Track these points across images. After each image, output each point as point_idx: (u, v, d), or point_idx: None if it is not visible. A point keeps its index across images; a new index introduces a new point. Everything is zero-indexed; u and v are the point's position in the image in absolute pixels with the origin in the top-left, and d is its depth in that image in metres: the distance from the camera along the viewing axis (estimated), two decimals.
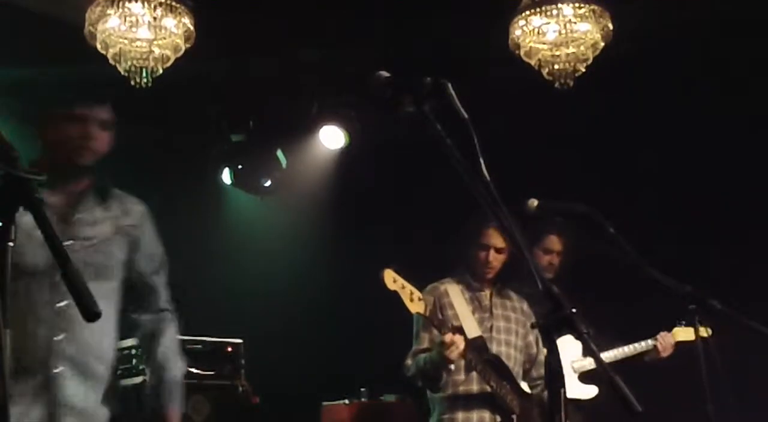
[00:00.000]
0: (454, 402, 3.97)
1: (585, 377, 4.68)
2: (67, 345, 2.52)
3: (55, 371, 2.50)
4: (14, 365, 2.30)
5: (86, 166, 2.76)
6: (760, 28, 5.01)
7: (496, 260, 4.13)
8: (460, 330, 3.85)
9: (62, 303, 2.49)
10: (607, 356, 4.68)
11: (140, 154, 5.46)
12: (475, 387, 3.97)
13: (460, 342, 3.71)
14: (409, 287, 3.62)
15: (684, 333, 4.64)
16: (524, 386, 4.12)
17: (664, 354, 4.74)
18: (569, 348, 4.67)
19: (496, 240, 4.10)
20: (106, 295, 2.66)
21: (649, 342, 4.76)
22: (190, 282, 4.77)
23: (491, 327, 4.11)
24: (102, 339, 2.63)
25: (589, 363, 4.62)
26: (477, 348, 3.90)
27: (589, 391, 4.64)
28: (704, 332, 4.55)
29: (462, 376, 3.97)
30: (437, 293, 4.08)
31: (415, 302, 3.63)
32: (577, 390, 4.61)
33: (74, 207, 2.70)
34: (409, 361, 3.96)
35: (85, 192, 2.76)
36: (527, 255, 1.93)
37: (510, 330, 4.16)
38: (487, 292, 4.21)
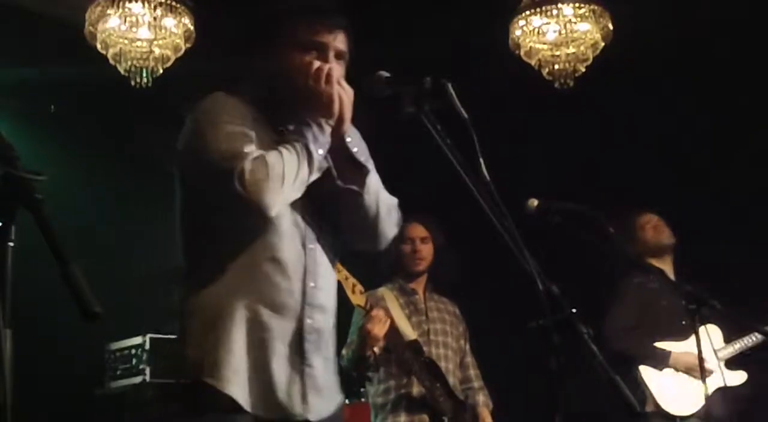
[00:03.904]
0: (396, 406, 4.02)
1: (733, 363, 4.60)
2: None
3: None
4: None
5: None
6: (760, 29, 5.01)
7: (423, 249, 4.24)
8: (397, 333, 3.91)
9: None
10: (735, 348, 4.59)
11: (139, 154, 5.46)
12: (414, 390, 4.03)
13: (384, 319, 3.72)
14: (352, 279, 3.66)
15: None
16: (458, 390, 4.20)
17: None
18: (712, 337, 4.61)
19: (418, 231, 4.24)
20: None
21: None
22: None
23: (428, 330, 4.21)
24: None
25: (734, 349, 4.57)
26: (413, 351, 3.97)
27: (738, 377, 4.55)
28: None
29: (402, 380, 4.03)
30: (374, 299, 4.11)
31: (356, 294, 3.67)
32: (726, 377, 4.48)
33: None
34: (344, 351, 3.99)
35: None
36: (526, 256, 1.93)
37: (446, 332, 4.27)
38: (420, 296, 4.31)
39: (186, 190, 2.35)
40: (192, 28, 4.51)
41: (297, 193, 2.22)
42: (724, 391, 4.48)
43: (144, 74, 4.54)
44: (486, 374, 4.43)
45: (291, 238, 2.28)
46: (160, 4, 4.40)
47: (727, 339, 4.65)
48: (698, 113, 5.40)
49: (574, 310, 1.91)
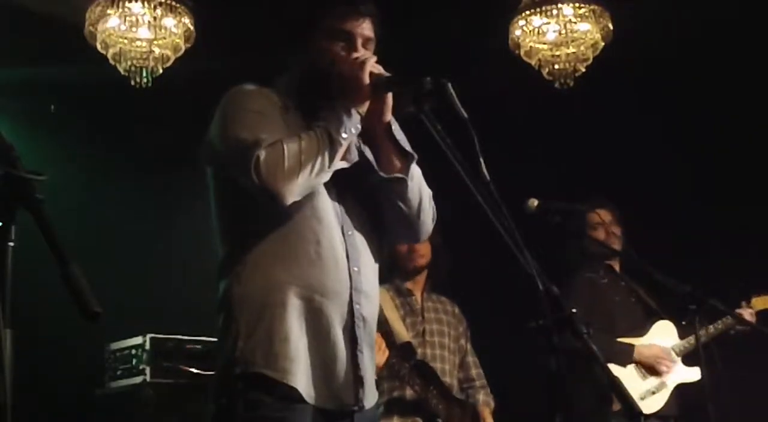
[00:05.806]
0: (389, 409, 3.99)
1: (689, 360, 4.54)
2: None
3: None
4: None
5: None
6: (759, 29, 5.01)
7: (421, 248, 4.17)
8: (389, 335, 3.91)
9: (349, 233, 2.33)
10: (690, 343, 4.49)
11: (139, 154, 5.46)
12: (407, 393, 4.01)
13: (382, 347, 3.75)
14: None
15: (763, 302, 4.60)
16: (455, 390, 4.20)
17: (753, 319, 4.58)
18: (666, 334, 4.59)
19: None
20: None
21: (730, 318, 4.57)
22: (189, 283, 4.77)
23: (424, 330, 4.19)
24: None
25: (689, 345, 4.50)
26: (404, 353, 3.96)
27: (695, 374, 4.44)
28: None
29: (395, 382, 4.00)
30: None
31: None
32: (684, 374, 4.53)
33: None
34: None
35: None
36: (526, 256, 1.93)
37: (443, 333, 4.24)
38: (418, 296, 4.28)
39: (217, 179, 2.33)
40: (192, 28, 4.51)
41: (319, 179, 2.19)
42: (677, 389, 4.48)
43: (144, 74, 4.54)
44: (486, 374, 4.43)
45: (332, 224, 2.27)
46: (160, 3, 4.40)
47: (682, 335, 4.60)
48: (698, 113, 5.40)
49: (574, 310, 1.91)
